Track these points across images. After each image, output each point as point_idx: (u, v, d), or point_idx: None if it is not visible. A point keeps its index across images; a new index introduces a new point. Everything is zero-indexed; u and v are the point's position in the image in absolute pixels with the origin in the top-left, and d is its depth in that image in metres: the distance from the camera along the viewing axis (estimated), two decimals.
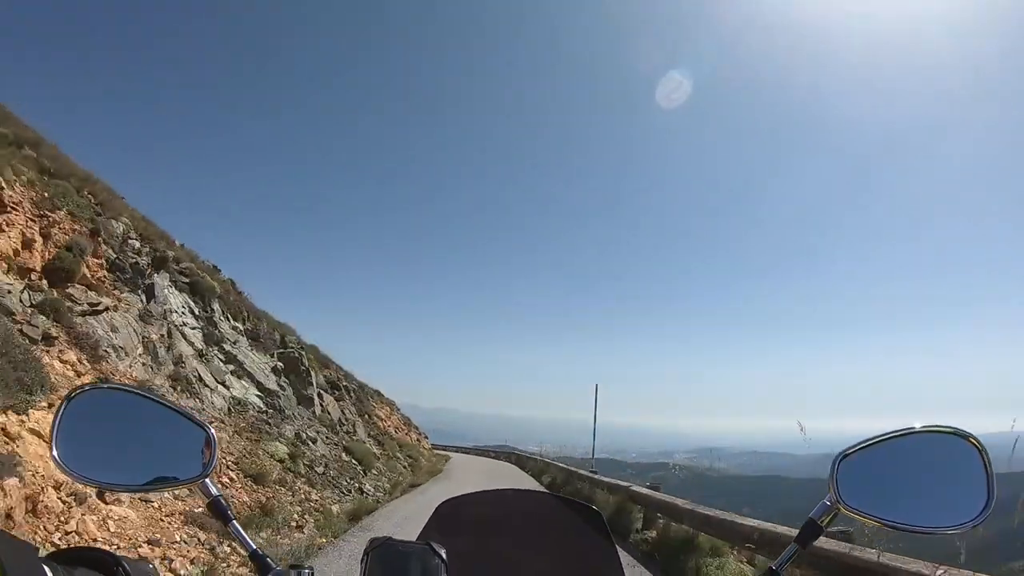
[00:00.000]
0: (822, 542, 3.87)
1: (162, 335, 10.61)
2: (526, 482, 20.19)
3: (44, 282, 8.45)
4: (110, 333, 9.01)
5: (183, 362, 10.78)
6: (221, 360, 12.71)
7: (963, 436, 1.12)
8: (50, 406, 5.95)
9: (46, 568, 1.11)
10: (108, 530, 5.56)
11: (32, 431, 5.57)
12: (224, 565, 5.92)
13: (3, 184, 8.36)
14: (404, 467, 20.04)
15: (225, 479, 8.57)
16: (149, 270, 11.55)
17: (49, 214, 9.19)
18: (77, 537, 5.19)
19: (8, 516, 4.59)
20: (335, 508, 10.31)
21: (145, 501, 6.43)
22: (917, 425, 1.13)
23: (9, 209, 8.25)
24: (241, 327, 15.34)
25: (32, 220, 8.73)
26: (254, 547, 1.13)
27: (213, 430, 1.15)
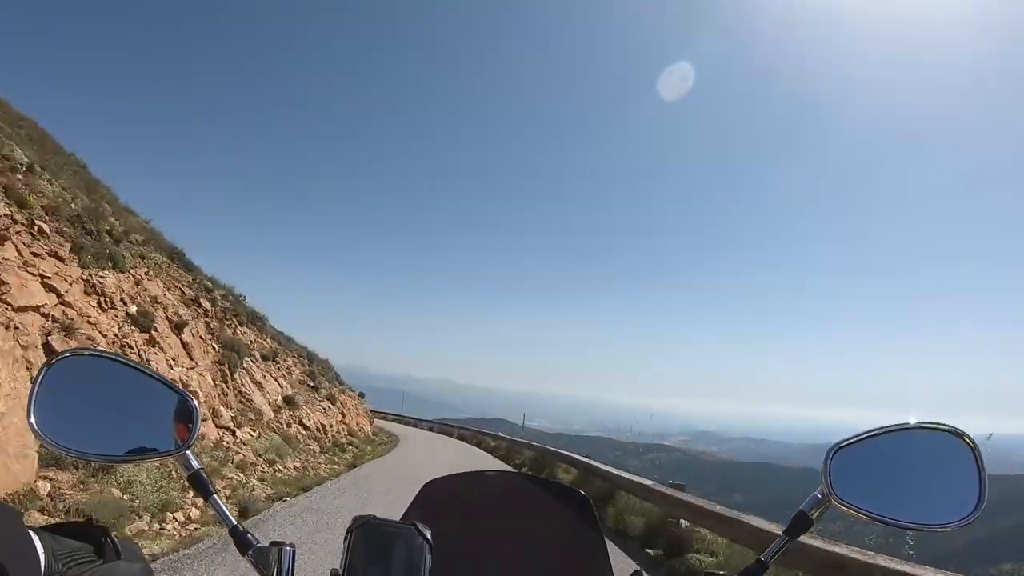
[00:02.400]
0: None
1: None
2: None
3: None
4: None
5: None
6: None
7: (957, 435, 1.11)
8: None
9: (32, 534, 1.09)
10: None
11: None
12: None
13: None
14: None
15: None
16: None
17: None
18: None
19: None
20: None
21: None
22: (912, 421, 1.12)
23: None
24: None
25: None
26: (234, 522, 1.11)
27: (196, 402, 1.12)
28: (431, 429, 38.57)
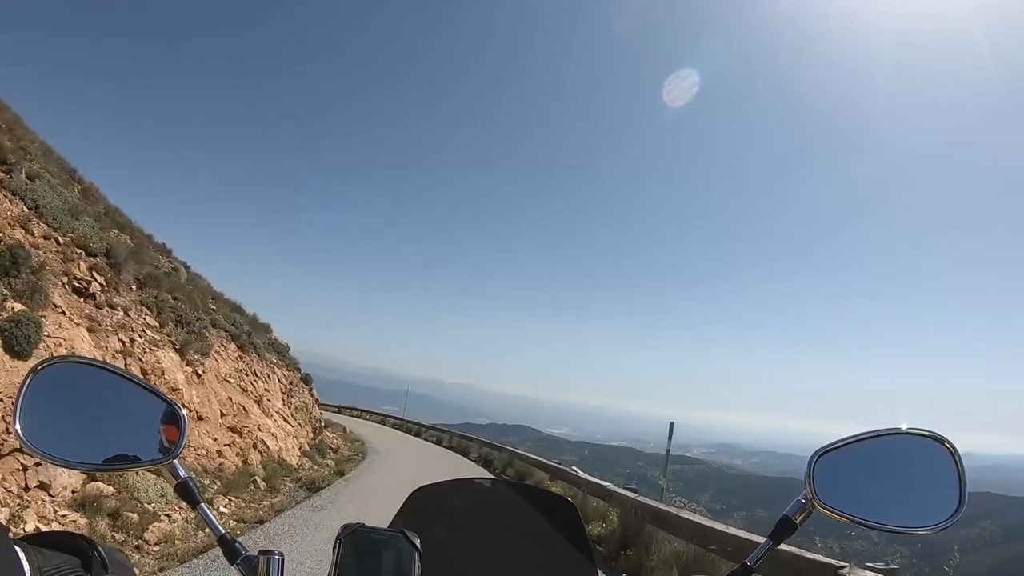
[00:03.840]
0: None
1: None
2: None
3: None
4: None
5: None
6: None
7: (939, 440, 1.12)
8: None
9: (18, 549, 1.08)
10: None
11: None
12: None
13: None
14: None
15: None
16: None
17: None
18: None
19: None
20: None
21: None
22: (897, 426, 1.14)
23: None
24: None
25: None
26: (223, 531, 1.11)
27: (184, 410, 1.12)
28: (439, 442, 29.90)
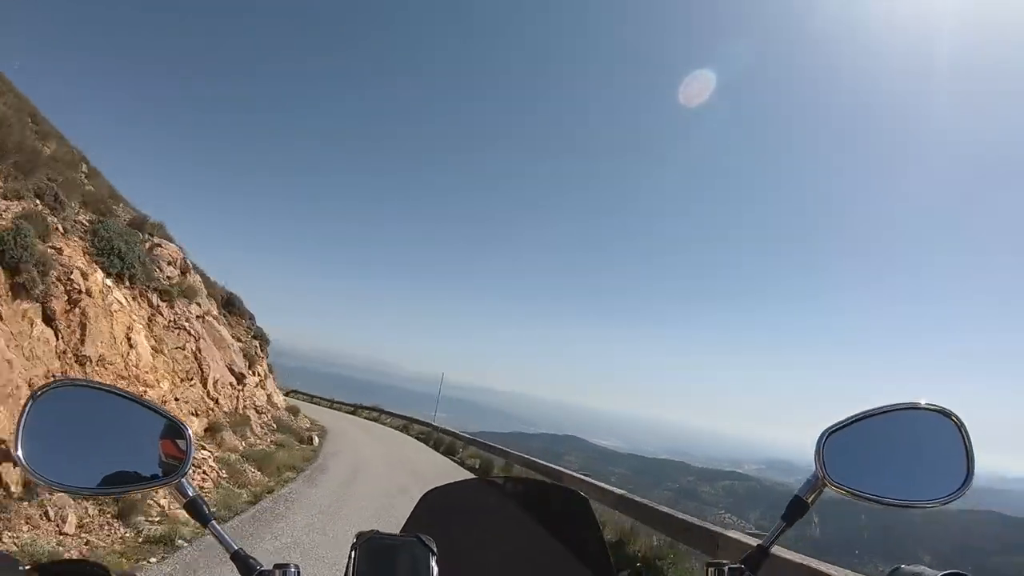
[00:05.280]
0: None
1: None
2: None
3: None
4: None
5: None
6: None
7: (946, 414, 1.14)
8: None
9: None
10: None
11: None
12: None
13: None
14: None
15: None
16: None
17: None
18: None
19: None
20: None
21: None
22: (904, 402, 1.16)
23: None
24: None
25: None
26: (236, 547, 1.09)
27: (189, 428, 1.11)
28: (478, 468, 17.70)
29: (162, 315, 11.20)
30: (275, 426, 16.02)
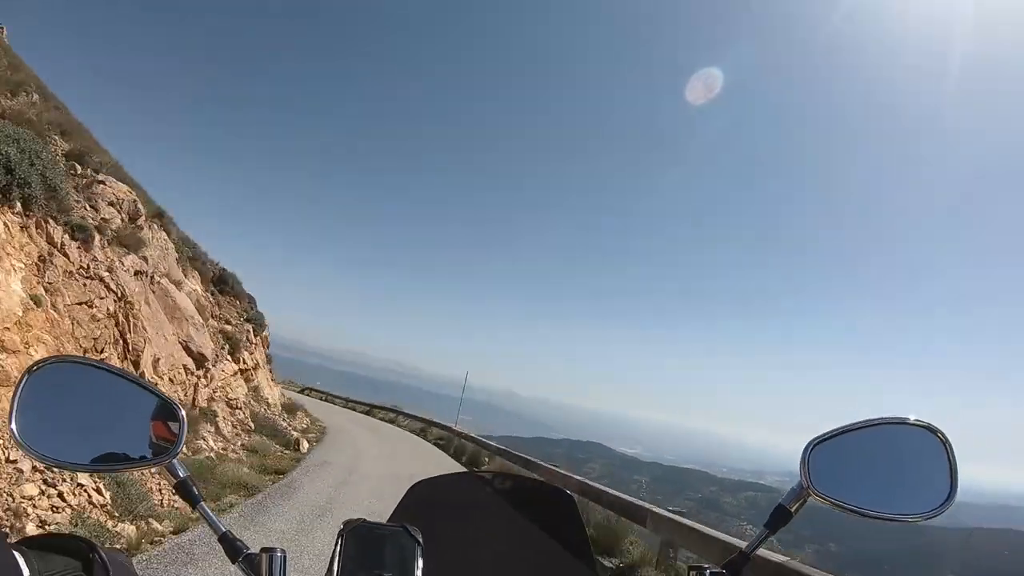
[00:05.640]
0: None
1: None
2: None
3: None
4: None
5: None
6: None
7: (931, 430, 1.14)
8: None
9: (16, 555, 1.07)
10: None
11: None
12: None
13: None
14: None
15: None
16: None
17: None
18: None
19: None
20: None
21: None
22: (890, 416, 1.16)
23: None
24: None
25: None
26: (224, 529, 1.11)
27: (182, 409, 1.12)
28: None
29: (67, 257, 7.83)
30: (252, 426, 13.16)
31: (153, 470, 1.13)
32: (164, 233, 12.96)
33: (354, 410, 33.75)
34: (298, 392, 34.75)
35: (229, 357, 13.80)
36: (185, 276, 13.71)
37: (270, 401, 16.72)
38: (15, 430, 1.06)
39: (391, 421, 29.64)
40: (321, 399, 35.24)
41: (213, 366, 12.28)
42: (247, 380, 15.08)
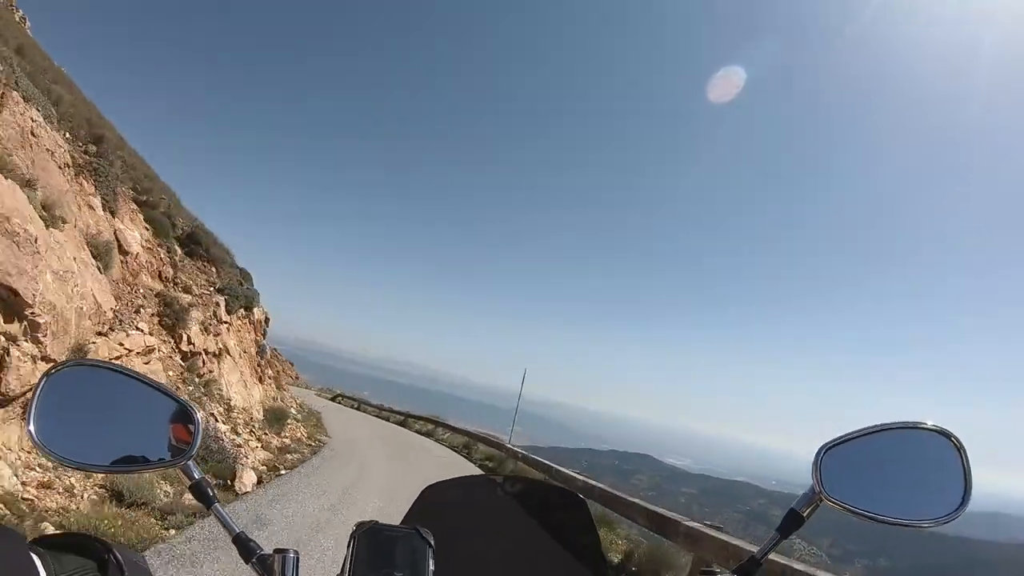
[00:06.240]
0: None
1: None
2: None
3: None
4: None
5: None
6: None
7: (945, 434, 1.13)
8: None
9: (33, 556, 1.08)
10: None
11: None
12: None
13: None
14: None
15: None
16: None
17: None
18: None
19: None
20: None
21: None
22: (903, 420, 1.15)
23: None
24: None
25: None
26: (238, 530, 1.12)
27: (198, 411, 1.14)
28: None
29: None
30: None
31: (169, 471, 1.15)
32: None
33: (387, 419, 29.78)
34: (329, 399, 33.33)
35: (153, 330, 9.23)
36: (115, 214, 9.91)
37: (237, 403, 12.06)
38: (32, 431, 1.08)
39: (427, 434, 24.86)
40: (354, 407, 33.48)
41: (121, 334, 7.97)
42: (190, 369, 10.36)
